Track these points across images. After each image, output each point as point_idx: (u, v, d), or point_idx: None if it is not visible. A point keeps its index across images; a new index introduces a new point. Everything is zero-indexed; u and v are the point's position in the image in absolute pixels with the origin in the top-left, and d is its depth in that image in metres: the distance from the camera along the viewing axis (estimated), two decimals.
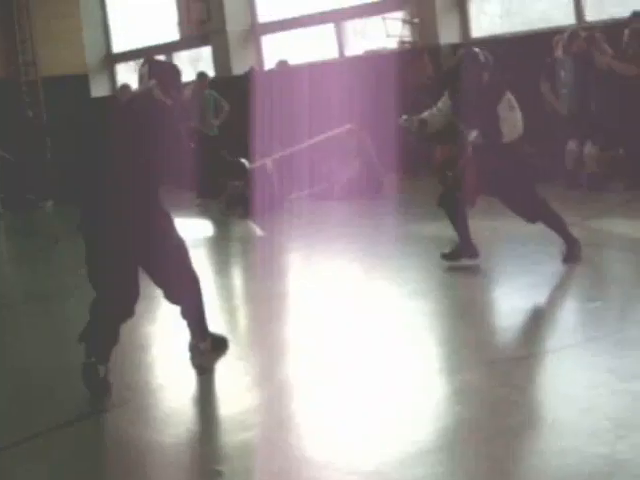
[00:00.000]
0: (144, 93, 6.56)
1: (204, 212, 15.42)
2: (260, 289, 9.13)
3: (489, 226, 10.32)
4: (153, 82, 6.44)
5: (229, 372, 6.57)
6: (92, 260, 6.29)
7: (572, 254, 8.44)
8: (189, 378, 6.52)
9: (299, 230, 12.29)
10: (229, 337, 7.10)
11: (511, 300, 7.69)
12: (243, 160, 7.30)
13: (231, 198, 14.73)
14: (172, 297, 6.62)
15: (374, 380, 6.02)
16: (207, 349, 6.82)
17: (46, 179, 19.64)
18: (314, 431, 5.30)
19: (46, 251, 13.17)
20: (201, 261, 11.08)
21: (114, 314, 6.29)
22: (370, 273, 8.85)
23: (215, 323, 7.46)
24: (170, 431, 5.48)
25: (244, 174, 7.77)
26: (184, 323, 6.76)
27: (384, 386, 5.88)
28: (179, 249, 6.50)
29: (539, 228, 8.70)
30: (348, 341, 7.04)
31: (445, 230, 9.18)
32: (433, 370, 6.10)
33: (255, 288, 9.37)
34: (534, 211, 8.51)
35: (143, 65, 6.66)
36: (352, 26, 18.49)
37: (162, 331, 7.84)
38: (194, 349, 6.84)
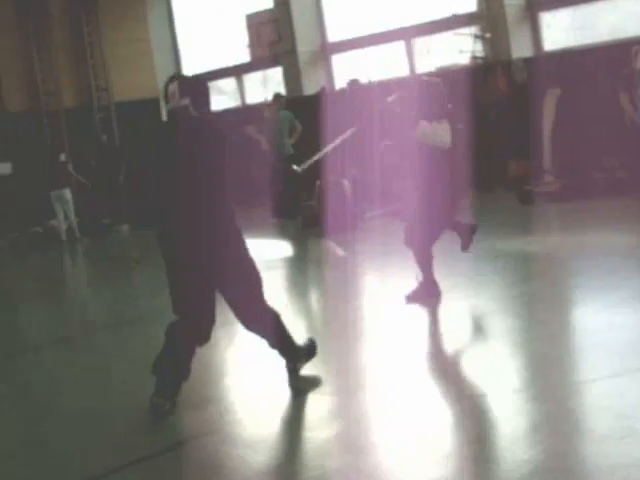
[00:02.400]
0: (183, 112, 6.35)
1: (281, 232, 15.41)
2: (339, 311, 9.04)
3: (576, 241, 10.16)
4: (187, 100, 6.27)
5: (312, 398, 6.37)
6: (171, 281, 6.33)
7: None
8: (272, 403, 6.33)
9: (376, 249, 12.20)
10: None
11: (601, 316, 7.51)
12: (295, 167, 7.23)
13: (307, 217, 14.72)
14: (246, 324, 6.55)
15: (459, 404, 5.87)
16: (303, 365, 6.77)
17: (121, 203, 19.81)
18: (396, 457, 5.18)
19: (125, 275, 13.25)
20: (279, 282, 11.09)
21: (188, 336, 6.26)
22: (448, 293, 8.72)
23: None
24: (255, 459, 5.40)
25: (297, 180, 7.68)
26: (271, 350, 6.67)
27: (468, 408, 5.73)
28: (252, 275, 6.42)
29: (625, 242, 8.52)
30: (428, 364, 6.95)
31: (522, 246, 9.04)
32: (523, 393, 5.95)
33: (334, 310, 9.28)
34: None
35: (171, 82, 6.41)
36: (423, 43, 18.39)
37: (243, 356, 7.75)
38: (292, 371, 6.75)
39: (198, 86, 6.53)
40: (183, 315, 6.27)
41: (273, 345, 6.61)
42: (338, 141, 9.32)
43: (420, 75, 9.00)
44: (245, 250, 6.39)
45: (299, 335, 7.67)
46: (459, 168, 8.90)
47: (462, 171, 9.10)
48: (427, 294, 8.60)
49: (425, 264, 8.63)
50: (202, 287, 6.25)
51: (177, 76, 6.70)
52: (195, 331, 6.30)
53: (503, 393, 5.86)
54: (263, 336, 6.57)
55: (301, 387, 6.50)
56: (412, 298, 8.60)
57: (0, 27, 21.14)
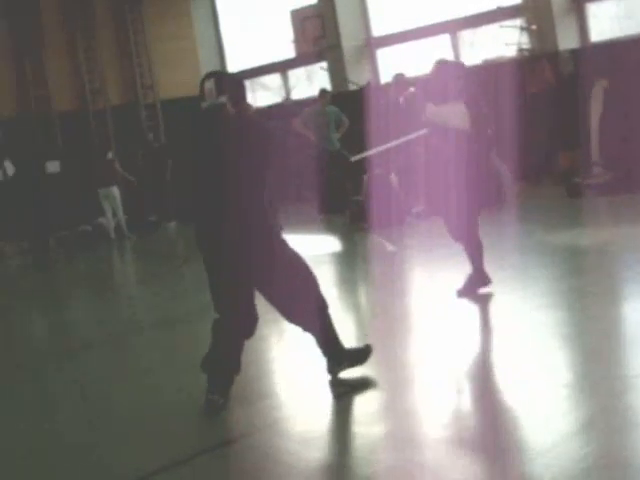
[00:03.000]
0: (221, 110, 6.26)
1: (328, 227, 15.41)
2: (389, 306, 9.01)
3: (626, 234, 10.05)
4: (225, 97, 6.20)
5: (349, 403, 6.26)
6: (211, 280, 6.32)
7: None
8: (323, 399, 6.33)
9: (423, 244, 12.16)
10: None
11: None
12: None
13: (355, 212, 14.71)
14: (291, 319, 6.49)
15: (510, 399, 5.84)
16: (345, 368, 6.58)
17: (167, 200, 19.90)
18: (450, 452, 5.15)
19: (173, 273, 13.31)
20: (328, 278, 11.08)
21: (232, 333, 6.27)
22: (497, 287, 8.67)
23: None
24: (309, 454, 5.39)
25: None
26: (314, 349, 6.58)
27: (520, 404, 5.68)
28: (293, 270, 6.31)
29: None
30: (478, 359, 6.93)
31: (571, 239, 8.95)
32: (576, 387, 5.91)
33: (383, 305, 9.24)
34: None
35: (207, 79, 6.31)
36: (468, 36, 18.30)
37: (293, 351, 7.72)
38: (330, 372, 6.60)
39: (235, 83, 6.47)
40: (224, 313, 6.27)
41: (317, 341, 6.52)
42: (404, 139, 9.27)
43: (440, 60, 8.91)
44: (285, 246, 6.33)
45: (352, 334, 7.71)
46: (485, 153, 8.79)
47: (489, 157, 9.00)
48: (477, 285, 8.56)
49: (475, 253, 8.58)
50: (241, 285, 6.23)
51: (213, 73, 6.55)
52: (238, 327, 6.30)
53: (555, 388, 5.81)
54: (307, 330, 6.50)
55: (340, 390, 6.37)
56: (463, 292, 8.57)
57: (47, 27, 21.28)
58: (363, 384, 6.42)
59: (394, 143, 8.71)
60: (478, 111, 8.54)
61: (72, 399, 7.35)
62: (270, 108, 20.15)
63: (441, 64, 8.79)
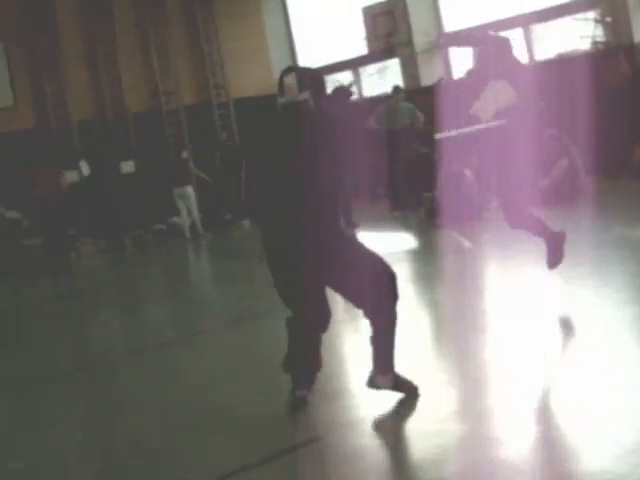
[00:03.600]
0: (303, 107, 6.08)
1: (403, 224, 15.38)
2: (464, 303, 8.94)
3: None
4: (307, 93, 6.03)
5: (427, 401, 6.06)
6: (278, 278, 6.17)
7: None
8: (398, 401, 6.10)
9: (500, 240, 12.06)
10: (430, 358, 6.91)
11: None
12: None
13: (430, 208, 14.66)
14: (363, 306, 6.13)
15: (589, 398, 5.70)
16: (385, 385, 6.12)
17: (241, 199, 19.95)
18: (534, 450, 5.10)
19: (248, 271, 13.36)
20: (404, 275, 11.04)
21: (306, 329, 6.22)
22: (576, 282, 8.58)
23: (417, 343, 7.35)
24: (394, 451, 5.39)
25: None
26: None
27: (604, 402, 5.57)
28: (369, 257, 6.07)
29: None
30: (557, 356, 6.81)
31: None
32: None
33: (459, 301, 9.19)
34: None
35: (287, 74, 6.09)
36: (541, 29, 18.13)
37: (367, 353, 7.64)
38: (370, 382, 6.18)
39: (317, 79, 6.27)
40: (296, 310, 6.20)
41: (375, 334, 6.08)
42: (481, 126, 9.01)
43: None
44: (357, 244, 6.20)
45: (427, 332, 7.67)
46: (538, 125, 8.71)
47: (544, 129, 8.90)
48: (557, 246, 8.42)
49: (538, 226, 8.48)
50: (313, 281, 6.09)
51: (294, 68, 6.38)
52: (312, 323, 6.23)
53: (634, 384, 5.75)
54: (371, 316, 6.10)
55: (397, 422, 5.93)
56: (551, 262, 8.47)
57: (119, 27, 21.51)
58: (442, 380, 6.32)
59: (472, 129, 8.50)
60: (523, 86, 8.37)
61: (150, 399, 7.38)
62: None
63: (480, 46, 8.68)
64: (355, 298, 6.19)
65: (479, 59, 8.62)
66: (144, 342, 9.88)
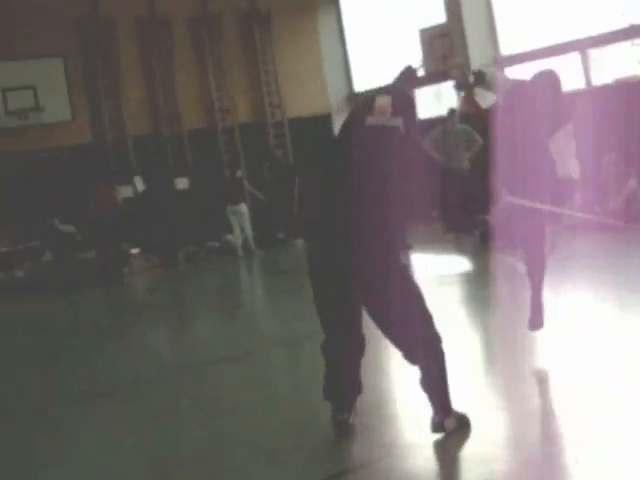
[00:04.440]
0: (392, 132, 5.74)
1: (458, 247, 15.32)
2: (517, 330, 8.81)
3: None
4: (400, 119, 5.70)
5: (482, 426, 5.92)
6: (319, 300, 5.97)
7: None
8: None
9: (558, 264, 11.95)
10: (483, 384, 6.84)
11: None
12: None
13: (485, 232, 14.57)
14: (407, 355, 5.90)
15: None
16: (453, 426, 5.83)
17: (294, 218, 20.03)
18: None
19: (300, 290, 13.35)
20: (457, 297, 11.01)
21: (341, 353, 5.98)
22: (629, 308, 8.47)
23: (470, 367, 7.29)
24: None
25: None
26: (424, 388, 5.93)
27: None
28: (413, 299, 5.78)
29: None
30: (607, 385, 6.65)
31: None
32: None
33: (511, 328, 9.07)
34: None
35: (383, 95, 5.75)
36: (599, 54, 18.02)
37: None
38: (438, 427, 5.85)
39: (410, 105, 5.95)
40: (331, 333, 5.98)
41: (425, 381, 5.83)
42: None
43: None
44: (406, 277, 5.85)
45: (479, 356, 7.61)
46: None
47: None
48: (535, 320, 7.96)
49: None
50: (350, 306, 5.87)
51: (390, 89, 5.94)
52: (346, 348, 5.98)
53: None
54: (416, 363, 5.88)
55: (450, 447, 5.75)
56: (533, 325, 8.04)
57: (177, 44, 21.70)
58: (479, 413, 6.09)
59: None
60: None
61: (192, 418, 7.37)
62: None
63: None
64: (396, 341, 5.92)
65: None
66: (194, 359, 9.91)
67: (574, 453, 5.37)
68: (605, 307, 8.82)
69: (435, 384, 5.80)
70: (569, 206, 7.93)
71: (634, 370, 7.01)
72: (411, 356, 5.85)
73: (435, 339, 5.79)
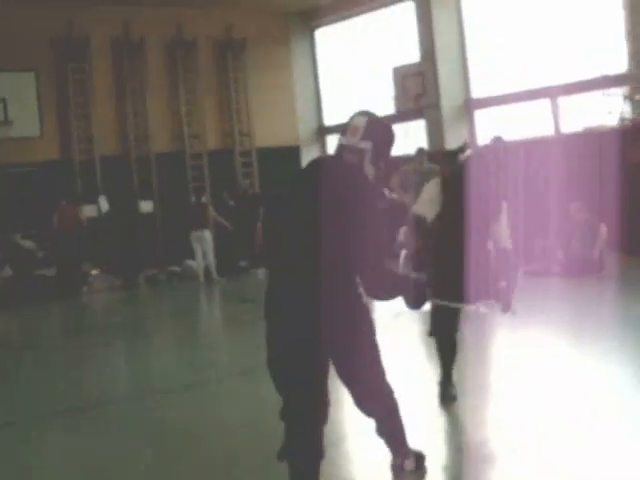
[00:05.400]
0: (354, 156, 5.27)
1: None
2: (478, 374, 8.77)
3: None
4: (369, 145, 5.25)
5: (435, 471, 5.86)
6: (273, 354, 5.27)
7: None
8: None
9: (519, 308, 11.93)
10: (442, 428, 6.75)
11: None
12: None
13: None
14: (361, 406, 5.44)
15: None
16: (412, 467, 5.65)
17: (258, 247, 19.98)
18: None
19: (261, 319, 13.28)
20: (406, 334, 10.94)
21: (305, 419, 5.21)
22: (602, 357, 8.48)
23: (429, 413, 7.22)
24: None
25: None
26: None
27: None
28: (372, 352, 5.32)
29: None
30: (569, 431, 6.63)
31: None
32: None
33: (472, 375, 9.05)
34: None
35: (360, 116, 5.35)
36: (569, 102, 18.19)
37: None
38: (399, 470, 5.67)
39: (386, 132, 5.43)
40: (290, 397, 5.20)
41: (382, 430, 5.57)
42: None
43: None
44: (368, 328, 5.30)
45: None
46: None
47: None
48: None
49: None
50: (308, 365, 5.11)
51: (369, 113, 5.45)
52: (310, 414, 5.19)
53: None
54: (373, 417, 5.54)
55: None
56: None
57: (150, 68, 21.68)
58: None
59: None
60: None
61: (146, 446, 7.28)
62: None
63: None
64: (354, 394, 5.41)
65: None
66: (145, 387, 9.81)
67: None
68: (568, 353, 8.82)
69: (391, 433, 5.61)
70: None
71: (591, 408, 7.02)
72: (367, 410, 5.48)
73: (389, 394, 5.48)
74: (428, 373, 8.04)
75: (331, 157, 5.54)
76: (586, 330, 8.78)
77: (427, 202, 7.51)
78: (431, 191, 7.57)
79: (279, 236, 5.33)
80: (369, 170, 5.28)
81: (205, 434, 7.47)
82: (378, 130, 5.35)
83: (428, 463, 5.81)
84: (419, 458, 5.76)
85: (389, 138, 5.41)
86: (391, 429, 5.58)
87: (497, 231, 7.44)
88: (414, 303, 5.41)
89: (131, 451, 7.19)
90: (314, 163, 5.51)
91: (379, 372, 5.38)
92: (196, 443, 7.19)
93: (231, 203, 21.25)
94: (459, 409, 7.56)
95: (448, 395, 7.66)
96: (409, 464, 5.67)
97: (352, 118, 5.37)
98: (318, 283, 4.99)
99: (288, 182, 5.47)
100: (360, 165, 5.26)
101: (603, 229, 14.57)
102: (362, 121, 5.31)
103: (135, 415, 8.47)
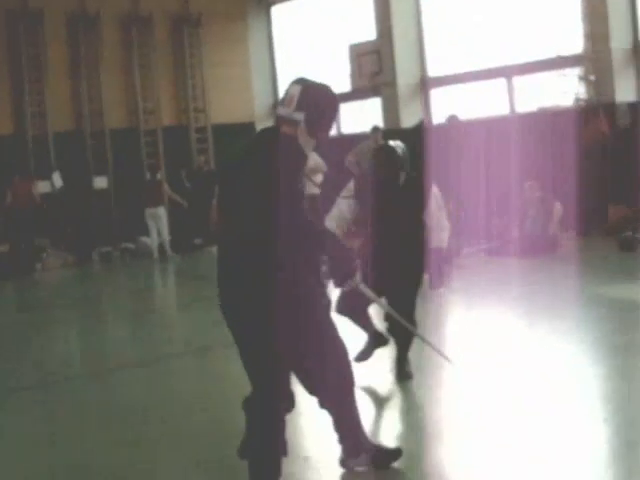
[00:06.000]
0: (281, 131, 5.05)
1: None
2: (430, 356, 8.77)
3: None
4: (301, 115, 4.99)
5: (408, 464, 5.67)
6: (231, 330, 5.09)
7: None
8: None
9: (473, 288, 12.01)
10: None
11: None
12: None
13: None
14: (311, 388, 5.30)
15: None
16: (360, 465, 5.49)
17: (212, 225, 19.88)
18: None
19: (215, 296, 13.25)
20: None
21: (270, 410, 5.06)
22: (555, 337, 8.53)
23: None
24: None
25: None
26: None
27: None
28: (318, 336, 5.10)
29: None
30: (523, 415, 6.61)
31: (626, 293, 8.73)
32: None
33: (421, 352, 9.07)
34: None
35: (296, 84, 5.07)
36: (525, 82, 18.25)
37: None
38: (342, 463, 5.54)
39: (324, 103, 5.09)
40: (259, 387, 5.05)
41: (334, 423, 5.39)
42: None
43: None
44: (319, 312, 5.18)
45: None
46: None
47: None
48: None
49: None
50: (274, 352, 4.97)
51: (304, 81, 5.12)
52: (275, 404, 5.07)
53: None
54: (324, 406, 5.36)
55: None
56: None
57: (105, 43, 21.46)
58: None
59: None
60: None
61: (105, 422, 7.28)
62: None
63: None
64: (307, 386, 5.30)
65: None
66: (98, 364, 9.76)
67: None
68: (524, 333, 8.85)
69: (346, 427, 5.40)
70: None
71: (547, 387, 7.07)
72: (323, 401, 5.33)
73: (347, 385, 5.28)
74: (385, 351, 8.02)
75: (269, 129, 5.23)
76: (541, 310, 8.81)
77: (336, 217, 7.49)
78: (341, 207, 7.55)
79: (221, 211, 5.17)
80: (306, 142, 5.04)
81: (160, 411, 7.44)
82: (313, 99, 5.02)
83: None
84: (377, 457, 5.51)
85: (326, 107, 5.09)
86: (346, 424, 5.38)
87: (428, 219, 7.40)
88: (342, 276, 5.19)
89: (81, 430, 7.14)
90: (253, 138, 5.34)
91: (338, 360, 5.17)
92: (153, 420, 7.18)
93: (187, 185, 21.10)
94: (414, 387, 7.58)
95: (404, 373, 7.69)
96: (355, 462, 5.49)
97: (288, 87, 5.09)
98: (245, 258, 4.86)
99: (230, 158, 5.26)
100: (294, 137, 5.00)
101: (557, 207, 14.66)
102: (296, 90, 5.02)
103: (87, 393, 8.40)
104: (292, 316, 4.91)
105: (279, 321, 4.84)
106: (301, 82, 5.09)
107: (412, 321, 7.34)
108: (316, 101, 5.04)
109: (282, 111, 5.06)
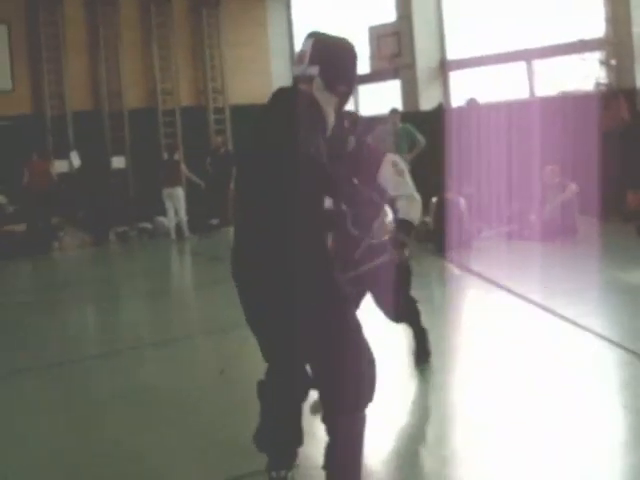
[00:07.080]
0: (300, 89, 4.61)
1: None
2: (443, 337, 8.77)
3: None
4: (315, 69, 4.60)
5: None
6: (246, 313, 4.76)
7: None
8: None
9: (492, 271, 11.92)
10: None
11: None
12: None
13: (422, 233, 14.60)
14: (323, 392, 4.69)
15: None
16: None
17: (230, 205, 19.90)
18: None
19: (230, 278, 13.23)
20: None
21: (283, 396, 4.83)
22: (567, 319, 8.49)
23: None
24: None
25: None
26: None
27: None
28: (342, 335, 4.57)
29: None
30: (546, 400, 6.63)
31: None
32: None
33: (445, 328, 9.10)
34: None
35: (308, 39, 4.67)
36: (545, 65, 18.14)
37: None
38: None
39: (340, 53, 4.70)
40: (274, 372, 4.82)
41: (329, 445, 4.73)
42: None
43: None
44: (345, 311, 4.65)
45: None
46: None
47: None
48: None
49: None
50: (278, 329, 4.63)
51: (316, 34, 4.71)
52: (288, 390, 4.81)
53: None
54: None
55: None
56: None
57: (124, 23, 21.45)
58: None
59: None
60: None
61: (116, 404, 7.27)
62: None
63: None
64: (322, 382, 4.68)
65: None
66: (115, 344, 9.72)
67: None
68: (540, 316, 8.80)
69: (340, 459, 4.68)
70: None
71: (565, 373, 7.04)
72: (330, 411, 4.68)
73: (362, 400, 4.63)
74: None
75: (285, 89, 4.77)
76: (559, 293, 8.75)
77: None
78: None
79: (240, 192, 4.81)
80: (323, 98, 4.60)
81: (176, 392, 7.44)
82: (327, 50, 4.63)
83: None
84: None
85: (343, 56, 4.70)
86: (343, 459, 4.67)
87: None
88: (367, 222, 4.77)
89: (99, 409, 7.16)
90: (269, 99, 4.77)
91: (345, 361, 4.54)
92: (168, 401, 7.19)
93: (211, 171, 21.04)
94: (430, 371, 7.57)
95: (423, 350, 7.64)
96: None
97: (302, 45, 4.70)
98: (272, 240, 4.49)
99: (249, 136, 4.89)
100: (310, 93, 4.57)
101: (572, 187, 14.52)
102: (308, 44, 4.63)
103: (105, 373, 8.43)
104: (309, 300, 4.46)
105: (296, 302, 4.45)
106: (313, 35, 4.70)
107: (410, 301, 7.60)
108: (330, 52, 4.66)
109: (296, 70, 4.69)
